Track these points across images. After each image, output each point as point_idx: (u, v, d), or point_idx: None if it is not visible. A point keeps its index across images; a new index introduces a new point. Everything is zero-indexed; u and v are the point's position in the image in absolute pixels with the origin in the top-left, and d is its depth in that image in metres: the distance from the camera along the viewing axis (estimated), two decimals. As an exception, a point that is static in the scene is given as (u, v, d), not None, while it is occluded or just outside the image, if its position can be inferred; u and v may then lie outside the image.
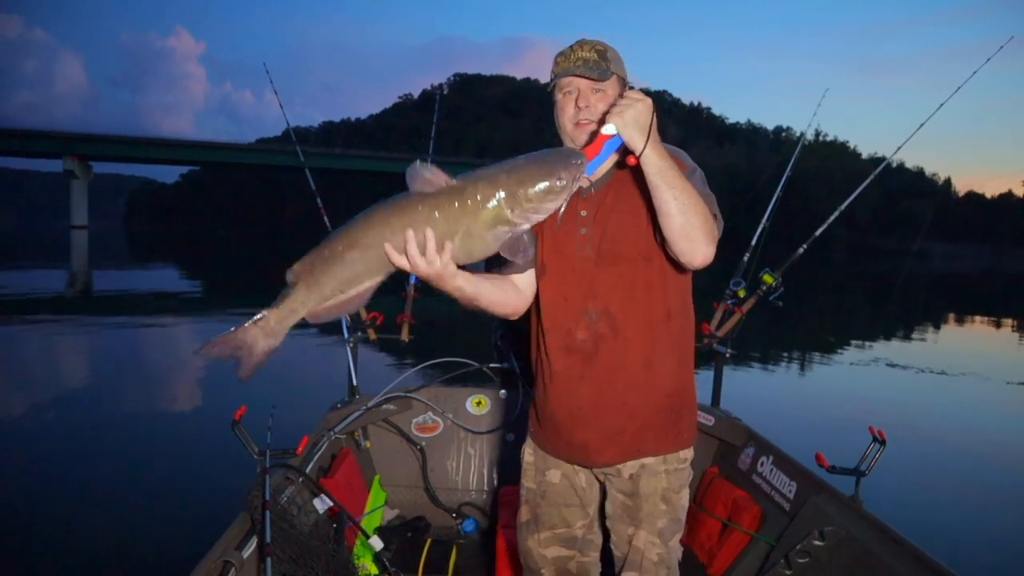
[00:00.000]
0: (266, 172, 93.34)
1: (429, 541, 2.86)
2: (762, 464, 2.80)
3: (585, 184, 1.57)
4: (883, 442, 2.23)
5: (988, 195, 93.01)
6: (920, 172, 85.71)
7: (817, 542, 2.19)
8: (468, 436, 3.35)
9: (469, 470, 3.32)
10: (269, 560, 1.80)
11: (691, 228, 1.42)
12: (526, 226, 1.32)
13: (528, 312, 1.73)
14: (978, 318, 20.28)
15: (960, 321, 19.44)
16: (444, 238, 1.29)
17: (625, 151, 1.41)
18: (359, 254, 1.32)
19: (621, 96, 1.48)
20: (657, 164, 1.39)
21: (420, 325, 3.42)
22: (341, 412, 3.11)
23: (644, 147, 1.37)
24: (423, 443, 3.28)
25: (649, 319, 1.60)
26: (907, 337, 14.60)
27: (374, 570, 2.41)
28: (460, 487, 3.30)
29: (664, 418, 1.65)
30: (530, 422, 1.83)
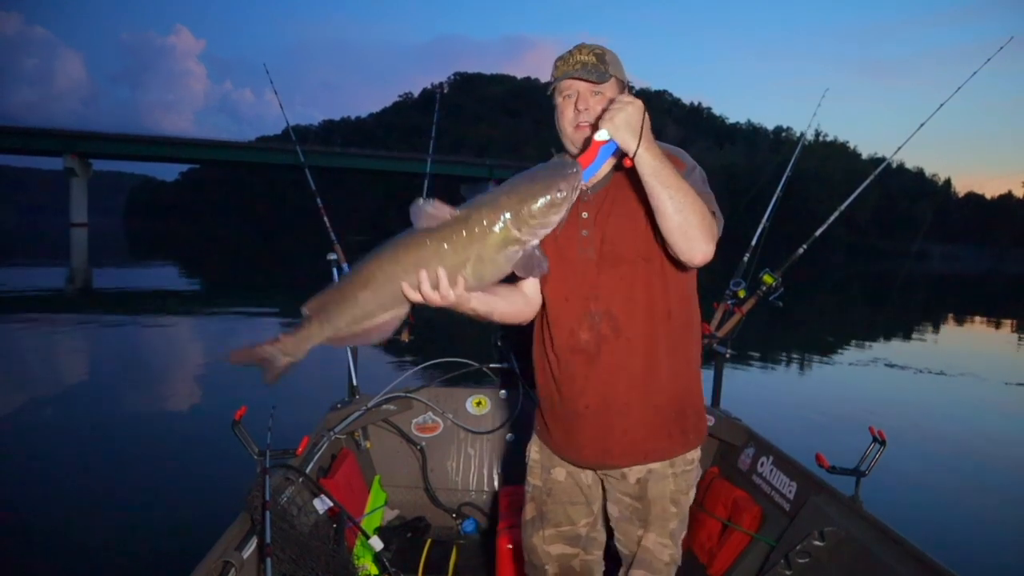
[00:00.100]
0: (266, 170, 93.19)
1: (429, 541, 2.86)
2: (762, 464, 2.80)
3: (584, 188, 1.58)
4: (883, 442, 2.23)
5: (988, 196, 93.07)
6: (920, 173, 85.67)
7: (817, 542, 2.19)
8: (468, 436, 3.35)
9: (469, 470, 3.32)
10: (269, 560, 1.80)
11: (688, 226, 1.43)
12: (535, 242, 1.35)
13: None
14: (977, 319, 20.29)
15: (959, 322, 19.45)
16: (456, 269, 1.32)
17: (621, 154, 1.42)
18: (371, 293, 1.36)
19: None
20: (651, 164, 1.40)
21: (420, 325, 3.42)
22: (341, 412, 3.11)
23: (637, 148, 1.38)
24: (423, 443, 3.28)
25: (650, 319, 1.61)
26: (906, 337, 14.60)
27: (374, 570, 2.41)
28: (460, 487, 3.30)
29: (669, 419, 1.66)
30: (536, 421, 1.85)
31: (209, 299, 17.58)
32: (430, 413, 3.35)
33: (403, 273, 1.33)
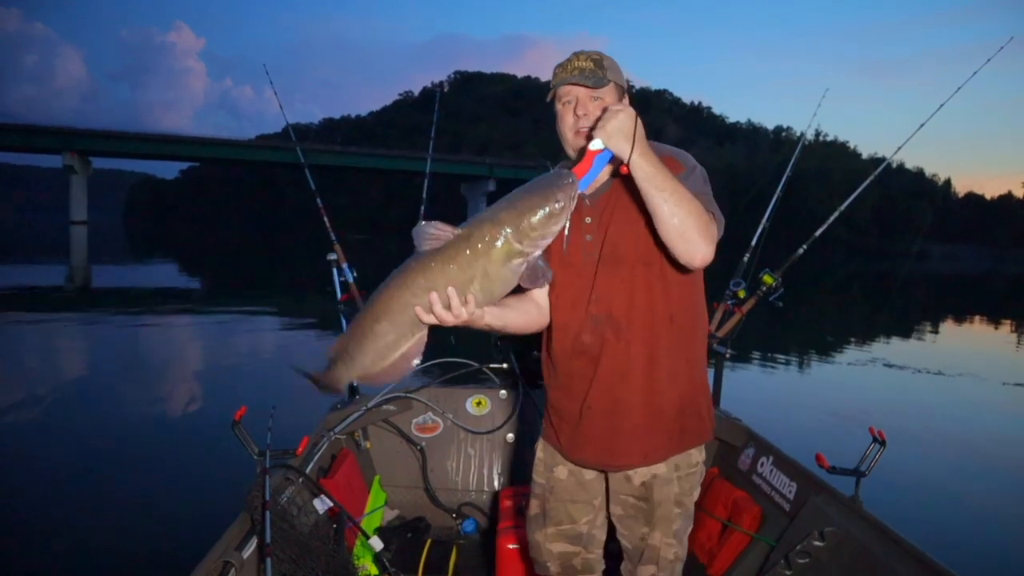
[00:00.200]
0: (266, 169, 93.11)
1: (429, 541, 2.87)
2: (762, 465, 2.80)
3: (585, 194, 1.60)
4: (883, 443, 2.23)
5: (988, 196, 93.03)
6: (920, 173, 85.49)
7: (817, 543, 2.20)
8: (468, 436, 3.35)
9: (469, 470, 3.32)
10: (269, 560, 1.80)
11: (685, 229, 1.44)
12: (538, 253, 1.37)
13: None
14: (976, 319, 20.31)
15: (959, 322, 19.47)
16: (465, 286, 1.35)
17: (618, 161, 1.45)
18: (388, 324, 1.39)
19: (619, 102, 1.57)
20: (645, 169, 1.42)
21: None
22: (341, 412, 3.11)
23: (631, 155, 1.40)
24: (423, 443, 3.28)
25: (651, 322, 1.63)
26: (906, 338, 14.61)
27: (374, 570, 2.41)
28: (460, 487, 3.30)
29: (671, 420, 1.68)
30: (543, 420, 1.88)
31: (209, 298, 17.58)
32: (430, 413, 3.35)
33: (414, 298, 1.35)
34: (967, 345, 14.83)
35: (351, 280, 3.46)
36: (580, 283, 1.67)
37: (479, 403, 3.38)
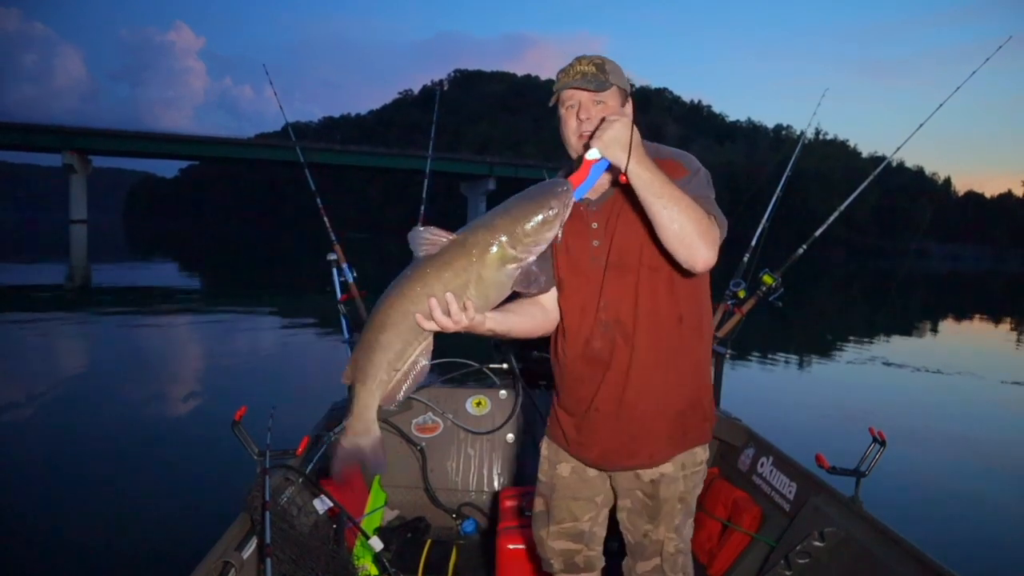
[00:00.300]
0: (266, 167, 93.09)
1: (429, 542, 2.87)
2: (762, 465, 2.80)
3: (588, 199, 1.63)
4: (883, 443, 2.23)
5: (988, 195, 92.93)
6: (920, 172, 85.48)
7: (817, 543, 2.20)
8: (468, 437, 3.35)
9: (469, 471, 3.32)
10: (269, 561, 1.81)
11: (685, 235, 1.45)
12: (532, 258, 1.39)
13: None
14: (976, 317, 20.33)
15: (958, 320, 19.49)
16: (460, 292, 1.36)
17: (616, 170, 1.46)
18: (392, 334, 1.40)
19: (622, 106, 1.59)
20: (643, 177, 1.44)
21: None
22: (341, 412, 3.11)
23: (627, 164, 1.42)
24: (423, 444, 3.28)
25: (659, 326, 1.65)
26: (906, 336, 14.62)
27: (374, 571, 2.41)
28: (460, 488, 3.30)
29: (681, 422, 1.70)
30: (549, 420, 1.90)
31: (209, 297, 17.59)
32: (430, 413, 3.35)
33: (413, 305, 1.37)
34: (966, 344, 14.84)
35: (351, 280, 3.46)
36: (588, 289, 1.68)
37: (479, 403, 3.38)
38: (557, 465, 1.84)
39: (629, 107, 1.66)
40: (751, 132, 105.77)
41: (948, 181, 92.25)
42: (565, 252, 1.71)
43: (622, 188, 1.55)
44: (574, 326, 1.72)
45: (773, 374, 9.50)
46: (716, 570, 2.64)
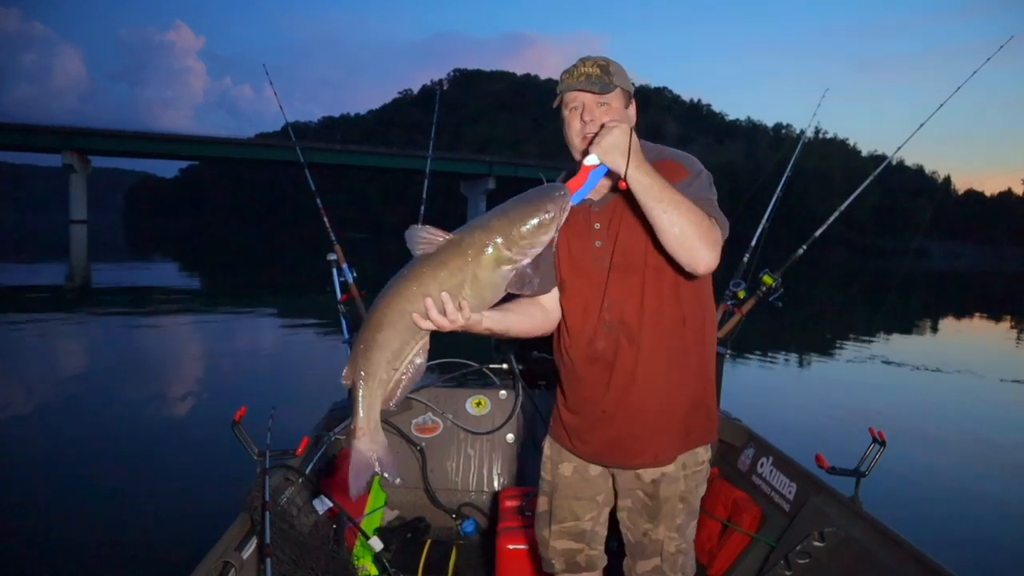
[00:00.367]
0: (265, 167, 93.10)
1: (429, 542, 2.87)
2: (762, 465, 2.80)
3: (595, 198, 1.64)
4: (883, 443, 2.24)
5: (987, 193, 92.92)
6: (920, 170, 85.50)
7: (817, 543, 2.20)
8: (468, 437, 3.35)
9: (469, 471, 3.32)
10: (269, 561, 1.81)
11: (686, 238, 1.46)
12: (527, 261, 1.40)
13: None
14: (976, 316, 20.34)
15: (958, 319, 19.49)
16: (456, 291, 1.37)
17: (615, 176, 1.48)
18: (390, 332, 1.40)
19: (626, 108, 1.60)
20: (642, 182, 1.45)
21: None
22: (341, 413, 3.11)
23: (626, 169, 1.43)
24: (423, 444, 3.28)
25: (663, 327, 1.65)
26: (905, 335, 14.63)
27: (374, 571, 2.41)
28: (460, 488, 3.30)
29: (681, 421, 1.71)
30: (552, 419, 1.90)
31: (209, 298, 17.59)
32: (430, 414, 3.35)
33: (409, 304, 1.38)
34: (966, 342, 14.85)
35: (351, 280, 3.46)
36: (592, 289, 1.69)
37: (479, 403, 3.38)
38: (559, 465, 1.85)
39: (632, 109, 1.67)
40: (751, 131, 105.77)
41: (948, 180, 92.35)
42: (567, 252, 1.71)
43: (624, 192, 1.56)
44: (577, 326, 1.72)
45: (773, 374, 9.50)
46: (716, 570, 2.65)
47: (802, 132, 4.40)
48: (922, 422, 7.03)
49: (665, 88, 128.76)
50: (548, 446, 1.90)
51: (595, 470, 1.82)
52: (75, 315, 12.66)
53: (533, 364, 3.36)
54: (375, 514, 2.99)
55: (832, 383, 9.37)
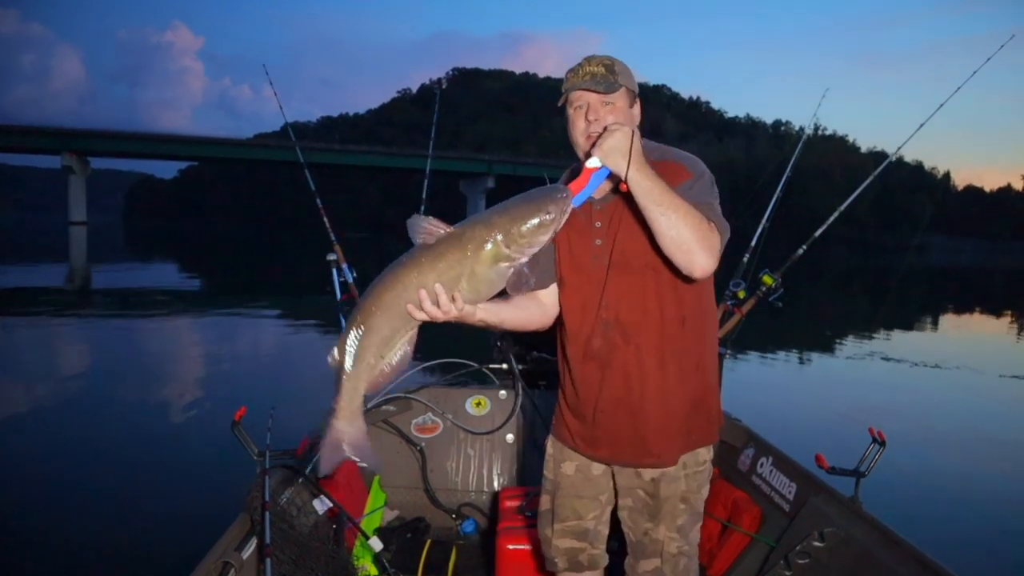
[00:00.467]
0: (264, 168, 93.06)
1: (429, 542, 2.86)
2: (762, 465, 2.79)
3: (597, 197, 1.63)
4: (883, 443, 2.23)
5: (987, 189, 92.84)
6: (919, 166, 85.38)
7: (817, 543, 2.19)
8: (468, 437, 3.35)
9: (469, 471, 3.32)
10: (269, 561, 1.81)
11: (683, 241, 1.47)
12: (524, 259, 1.41)
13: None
14: (976, 311, 20.33)
15: (958, 315, 19.50)
16: (452, 284, 1.38)
17: (616, 178, 1.48)
18: (383, 318, 1.41)
19: (631, 108, 1.62)
20: (642, 185, 1.45)
21: (420, 325, 3.40)
22: None
23: (627, 172, 1.44)
24: (423, 444, 3.28)
25: (661, 327, 1.65)
26: (905, 332, 14.62)
27: (374, 571, 2.41)
28: (460, 488, 3.30)
29: (680, 422, 1.70)
30: (554, 418, 1.91)
31: (209, 298, 17.59)
32: (430, 414, 3.35)
33: (405, 291, 1.39)
34: (966, 338, 14.84)
35: (351, 280, 3.46)
36: (590, 287, 1.69)
37: (479, 403, 3.38)
38: (562, 463, 1.85)
39: (637, 108, 1.67)
40: (750, 128, 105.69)
41: (947, 175, 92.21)
42: (568, 250, 1.72)
43: (625, 193, 1.57)
44: (575, 325, 1.73)
45: (773, 374, 9.49)
46: (716, 570, 2.64)
47: (801, 129, 4.40)
48: (922, 420, 7.03)
49: (664, 85, 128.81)
50: (551, 445, 1.90)
51: (597, 469, 1.82)
52: (75, 316, 12.67)
53: (533, 364, 3.36)
54: (375, 514, 2.99)
55: (832, 382, 9.37)
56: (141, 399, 7.03)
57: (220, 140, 79.17)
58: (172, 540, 3.68)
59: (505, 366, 3.35)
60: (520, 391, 3.28)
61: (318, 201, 3.84)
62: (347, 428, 1.45)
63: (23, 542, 3.90)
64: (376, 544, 2.33)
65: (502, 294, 1.48)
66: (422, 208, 3.76)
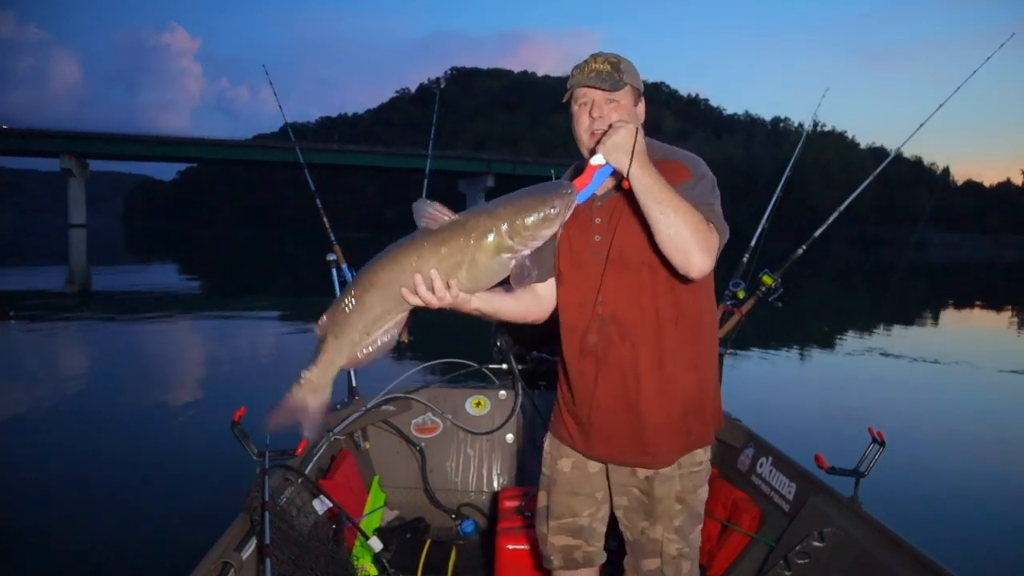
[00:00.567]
0: (264, 168, 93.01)
1: (428, 542, 2.86)
2: (761, 465, 2.79)
3: (599, 193, 1.63)
4: (882, 443, 2.22)
5: (986, 183, 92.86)
6: (919, 162, 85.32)
7: (816, 543, 2.19)
8: (467, 437, 3.35)
9: (468, 471, 3.32)
10: (268, 561, 1.81)
11: (681, 240, 1.47)
12: (527, 252, 1.41)
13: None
14: (976, 306, 20.33)
15: (958, 310, 19.50)
16: (452, 271, 1.38)
17: (619, 176, 1.49)
18: (377, 296, 1.41)
19: (635, 106, 1.63)
20: (643, 182, 1.46)
21: (420, 325, 3.40)
22: (340, 413, 3.11)
23: (629, 168, 1.45)
24: (422, 444, 3.28)
25: (657, 325, 1.65)
26: (905, 328, 14.61)
27: (373, 571, 2.41)
28: (459, 488, 3.30)
29: (677, 421, 1.69)
30: (553, 415, 1.91)
31: (208, 299, 17.60)
32: (429, 414, 3.35)
33: (402, 273, 1.38)
34: (965, 333, 14.84)
35: (350, 280, 3.45)
36: (588, 284, 1.69)
37: (478, 403, 3.38)
38: (558, 460, 1.85)
39: (642, 107, 1.68)
40: (749, 125, 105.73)
41: (947, 170, 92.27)
42: (568, 245, 1.72)
43: (627, 190, 1.56)
44: (572, 321, 1.73)
45: (772, 374, 9.46)
46: (715, 570, 2.64)
47: (800, 126, 4.40)
48: (922, 418, 7.02)
49: (663, 83, 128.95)
50: (548, 442, 1.91)
51: (594, 467, 1.82)
52: (76, 319, 12.67)
53: (533, 364, 3.36)
54: (375, 514, 2.99)
55: (831, 381, 9.35)
56: (141, 400, 7.03)
57: (219, 141, 79.10)
58: (172, 540, 3.68)
59: (505, 366, 3.35)
60: (520, 391, 3.28)
61: (318, 201, 3.83)
62: (309, 398, 1.46)
63: (23, 542, 3.90)
64: (376, 544, 2.33)
65: (498, 285, 1.48)
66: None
